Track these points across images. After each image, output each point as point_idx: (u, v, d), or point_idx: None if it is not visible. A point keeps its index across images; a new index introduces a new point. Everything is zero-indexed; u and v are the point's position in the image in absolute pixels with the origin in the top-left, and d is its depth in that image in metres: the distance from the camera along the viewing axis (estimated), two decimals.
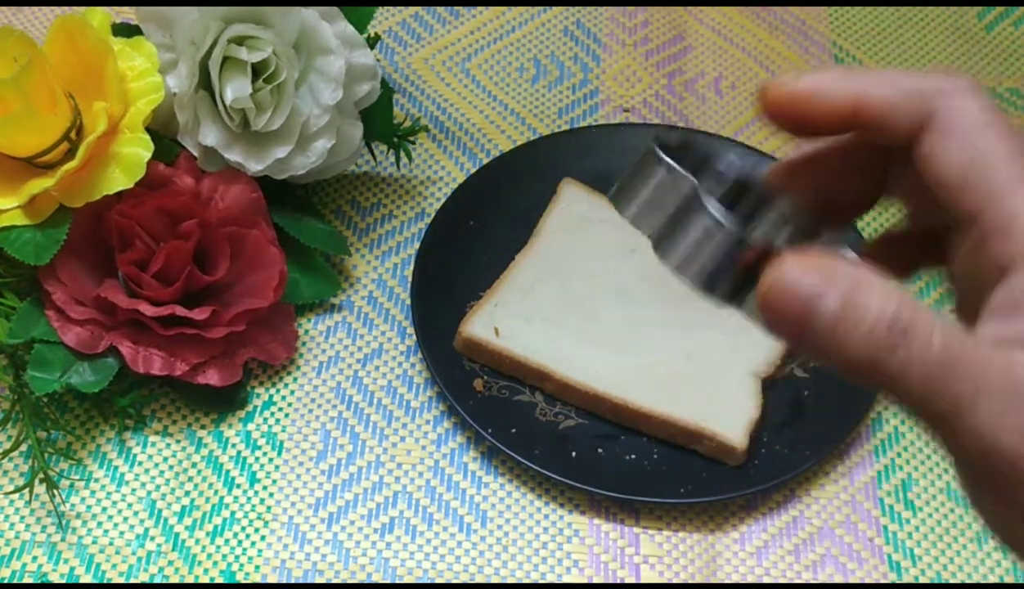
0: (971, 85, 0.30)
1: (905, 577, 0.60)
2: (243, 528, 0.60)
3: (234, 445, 0.63)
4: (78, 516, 0.60)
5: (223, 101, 0.61)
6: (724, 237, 0.30)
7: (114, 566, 0.59)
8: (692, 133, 0.75)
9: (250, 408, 0.64)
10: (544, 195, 0.71)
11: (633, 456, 0.62)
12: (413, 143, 0.73)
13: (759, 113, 0.32)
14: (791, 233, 0.32)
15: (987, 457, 0.27)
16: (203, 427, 0.64)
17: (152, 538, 0.59)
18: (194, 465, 0.62)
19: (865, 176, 0.33)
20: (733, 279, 0.31)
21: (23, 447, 0.61)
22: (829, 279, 0.27)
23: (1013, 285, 0.28)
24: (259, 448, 0.63)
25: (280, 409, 0.64)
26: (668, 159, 0.31)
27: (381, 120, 0.70)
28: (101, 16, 0.63)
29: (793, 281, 0.27)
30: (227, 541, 0.60)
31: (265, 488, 0.61)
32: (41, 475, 0.59)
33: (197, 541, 0.59)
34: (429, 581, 0.59)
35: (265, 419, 0.64)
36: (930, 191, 0.30)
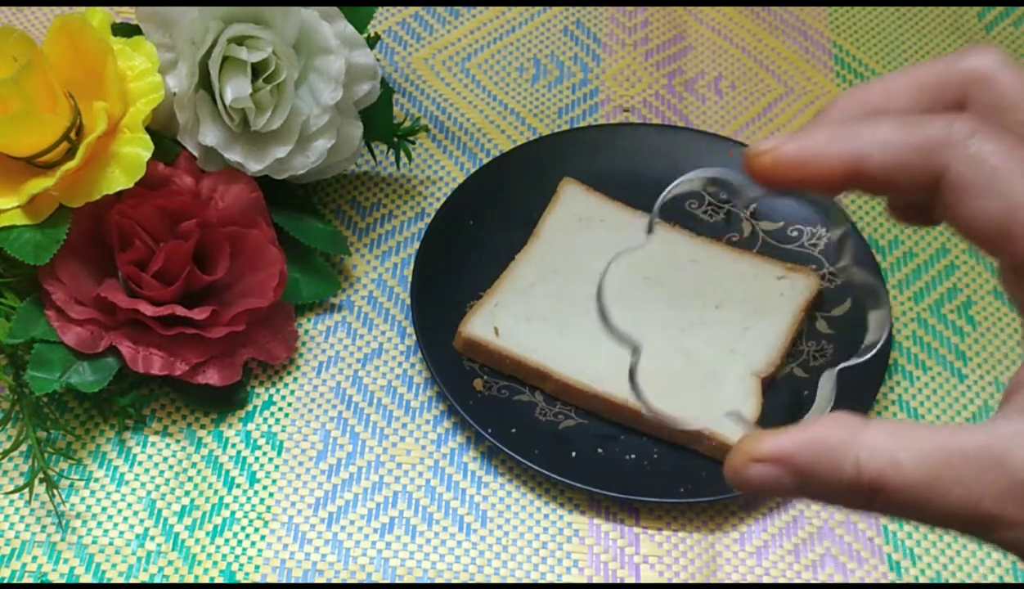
0: (975, 124, 0.28)
1: (905, 577, 0.60)
2: (243, 528, 0.60)
3: (234, 445, 0.63)
4: (78, 516, 0.60)
5: (223, 101, 0.61)
6: None
7: (114, 566, 0.59)
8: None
9: (250, 408, 0.64)
10: (544, 195, 0.71)
11: (633, 456, 0.62)
12: (413, 143, 0.73)
13: (747, 174, 0.31)
14: None
15: None
16: (203, 427, 0.64)
17: (152, 538, 0.59)
18: (194, 465, 0.62)
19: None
20: None
21: (23, 447, 0.61)
22: (782, 465, 0.29)
23: None
24: (259, 448, 0.63)
25: (280, 409, 0.64)
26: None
27: (381, 120, 0.70)
28: (101, 16, 0.63)
29: (751, 478, 0.29)
30: (227, 541, 0.60)
31: (265, 488, 0.61)
32: (41, 475, 0.59)
33: (197, 541, 0.59)
34: (429, 581, 0.59)
35: (265, 419, 0.64)
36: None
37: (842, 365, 0.33)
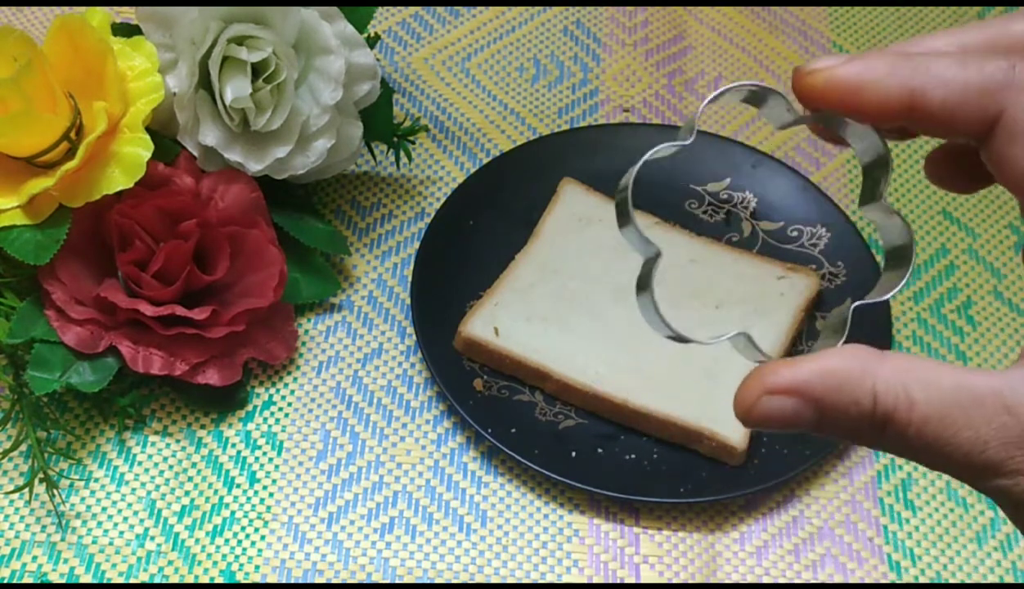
0: None
1: (905, 577, 0.60)
2: (243, 528, 0.60)
3: (234, 445, 0.63)
4: (78, 516, 0.60)
5: (223, 101, 0.61)
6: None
7: (114, 566, 0.59)
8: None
9: (250, 408, 0.64)
10: (544, 195, 0.71)
11: (633, 456, 0.62)
12: (413, 143, 0.73)
13: (795, 93, 0.30)
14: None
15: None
16: (203, 427, 0.64)
17: (152, 538, 0.59)
18: (194, 465, 0.62)
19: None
20: None
21: (23, 447, 0.61)
22: (801, 395, 0.28)
23: None
24: (259, 448, 0.63)
25: (280, 409, 0.64)
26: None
27: (381, 120, 0.70)
28: (101, 16, 0.63)
29: (766, 411, 0.28)
30: (227, 541, 0.60)
31: (265, 488, 0.61)
32: (41, 475, 0.59)
33: (197, 541, 0.59)
34: (429, 581, 0.59)
35: (265, 419, 0.64)
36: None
37: (858, 303, 0.31)
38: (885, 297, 0.31)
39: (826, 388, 0.28)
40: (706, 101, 0.31)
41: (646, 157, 0.31)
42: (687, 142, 0.31)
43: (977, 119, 0.28)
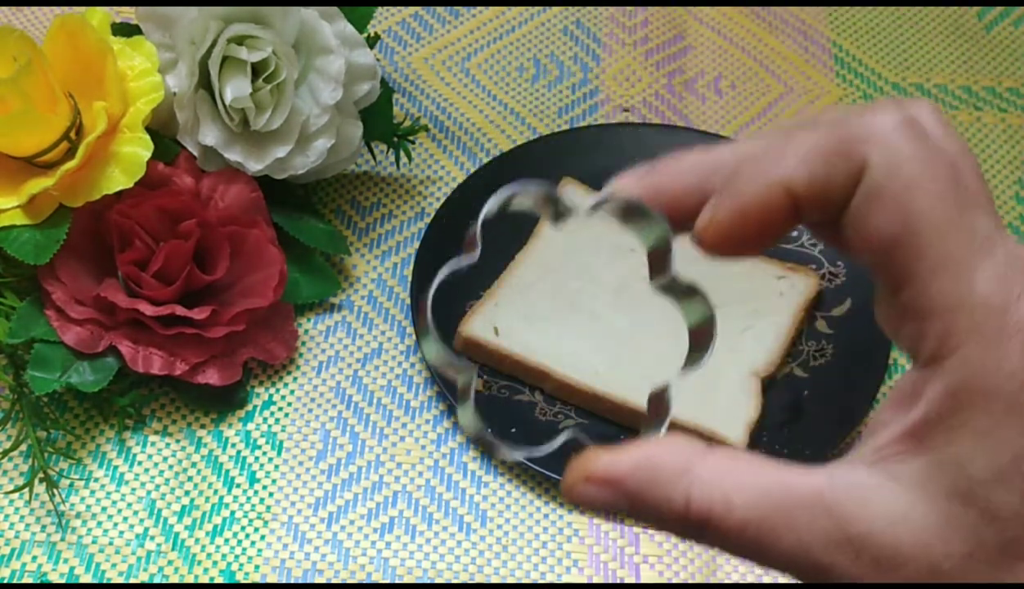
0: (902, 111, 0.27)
1: None
2: (243, 528, 0.60)
3: (234, 445, 0.63)
4: (78, 516, 0.60)
5: (223, 101, 0.61)
6: None
7: (114, 566, 0.59)
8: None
9: (250, 408, 0.64)
10: None
11: None
12: (413, 143, 0.73)
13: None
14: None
15: None
16: (203, 427, 0.64)
17: (152, 538, 0.59)
18: (194, 465, 0.62)
19: None
20: None
21: (23, 447, 0.61)
22: (614, 488, 0.28)
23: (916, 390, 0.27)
24: (259, 448, 0.63)
25: (280, 409, 0.64)
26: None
27: (381, 120, 0.70)
28: (101, 16, 0.63)
29: (582, 496, 0.29)
30: (227, 541, 0.60)
31: (265, 488, 0.61)
32: (41, 475, 0.59)
33: (197, 541, 0.59)
34: (429, 581, 0.59)
35: (265, 419, 0.64)
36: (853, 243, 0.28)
37: (671, 381, 0.31)
38: (694, 372, 0.31)
39: (639, 484, 0.28)
40: (483, 213, 0.30)
41: (437, 280, 0.30)
42: (472, 261, 0.30)
43: (848, 179, 0.27)
